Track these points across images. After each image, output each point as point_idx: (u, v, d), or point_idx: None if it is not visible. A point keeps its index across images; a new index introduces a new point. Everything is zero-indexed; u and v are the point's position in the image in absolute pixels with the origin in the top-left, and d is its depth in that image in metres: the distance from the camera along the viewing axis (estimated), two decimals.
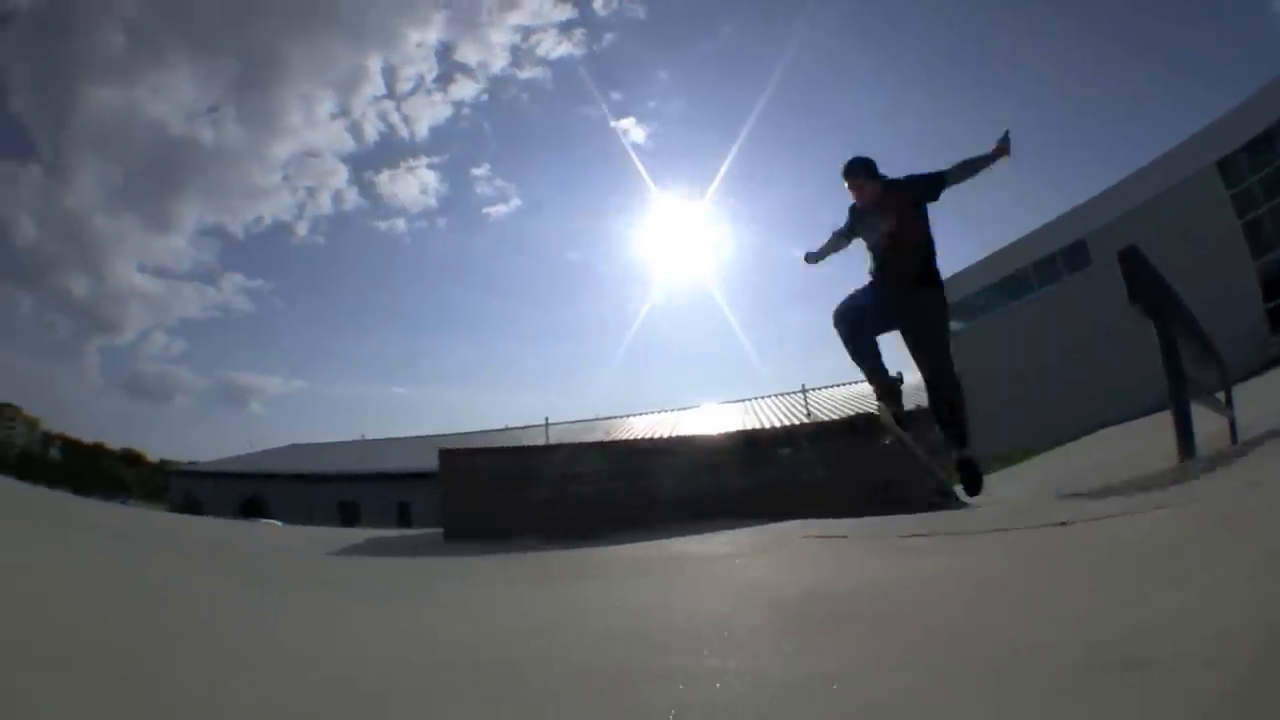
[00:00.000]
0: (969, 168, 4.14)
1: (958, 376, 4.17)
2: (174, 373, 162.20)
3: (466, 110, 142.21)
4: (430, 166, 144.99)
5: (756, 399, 38.11)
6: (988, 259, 30.51)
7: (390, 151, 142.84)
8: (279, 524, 28.55)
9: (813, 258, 4.67)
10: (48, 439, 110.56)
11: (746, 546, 3.08)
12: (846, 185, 4.42)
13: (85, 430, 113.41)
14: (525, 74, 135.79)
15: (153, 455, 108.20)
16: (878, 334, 4.34)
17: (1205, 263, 18.61)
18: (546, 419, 38.59)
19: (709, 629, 1.64)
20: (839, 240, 4.63)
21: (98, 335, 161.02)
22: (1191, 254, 18.16)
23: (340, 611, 2.16)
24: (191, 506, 42.91)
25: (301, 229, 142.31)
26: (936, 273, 4.26)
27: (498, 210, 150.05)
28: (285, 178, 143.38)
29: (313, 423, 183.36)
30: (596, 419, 41.45)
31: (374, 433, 60.09)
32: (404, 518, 34.71)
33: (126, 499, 74.44)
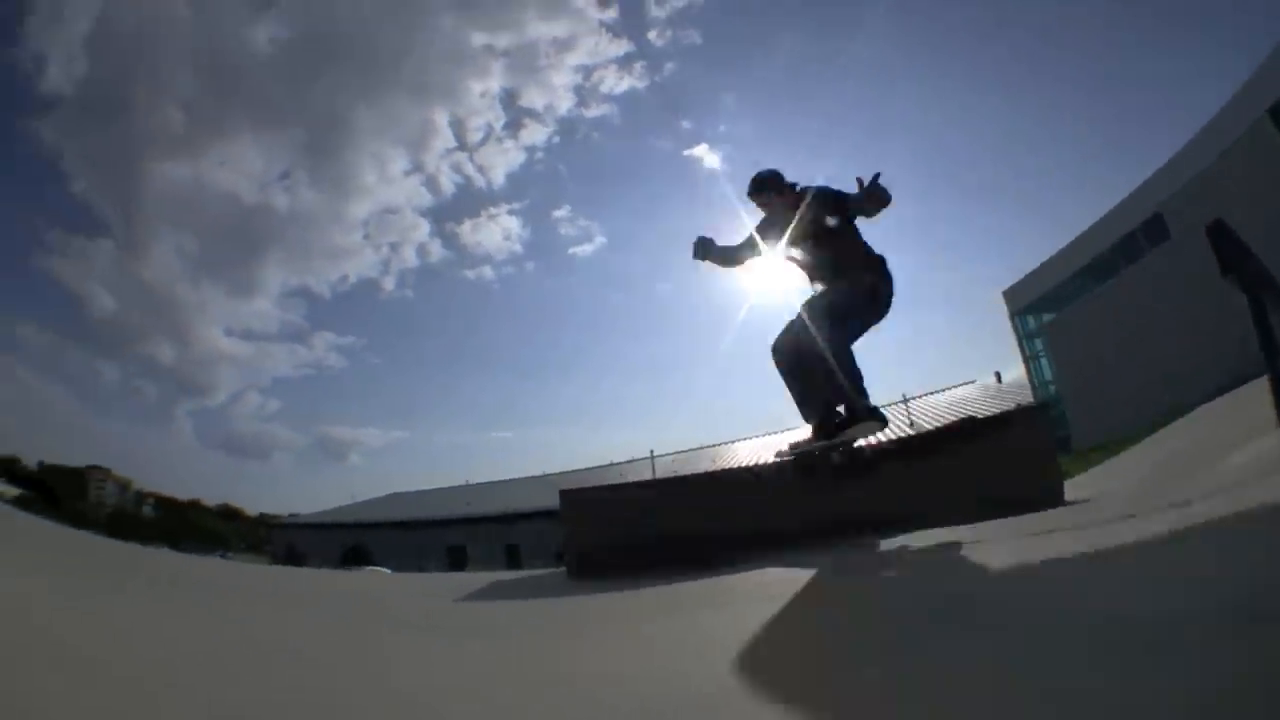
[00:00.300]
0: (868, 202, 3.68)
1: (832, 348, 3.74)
2: (270, 430, 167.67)
3: (540, 154, 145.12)
4: (511, 213, 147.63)
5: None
6: (1069, 245, 29.52)
7: (469, 201, 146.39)
8: (386, 570, 28.51)
9: (708, 251, 4.13)
10: (140, 497, 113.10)
11: (864, 566, 3.12)
12: (756, 204, 4.16)
13: (180, 489, 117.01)
14: (592, 112, 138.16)
15: (251, 510, 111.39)
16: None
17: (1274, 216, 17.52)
18: (652, 452, 38.98)
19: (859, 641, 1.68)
20: (746, 249, 4.23)
21: (188, 399, 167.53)
22: (1262, 212, 17.07)
23: (495, 656, 2.14)
24: (293, 557, 44.90)
25: (388, 284, 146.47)
26: (855, 268, 3.89)
27: (583, 249, 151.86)
28: (366, 235, 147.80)
29: (415, 471, 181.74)
30: (700, 448, 41.48)
31: (478, 477, 61.19)
32: (513, 559, 35.21)
33: (225, 553, 78.08)
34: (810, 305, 3.88)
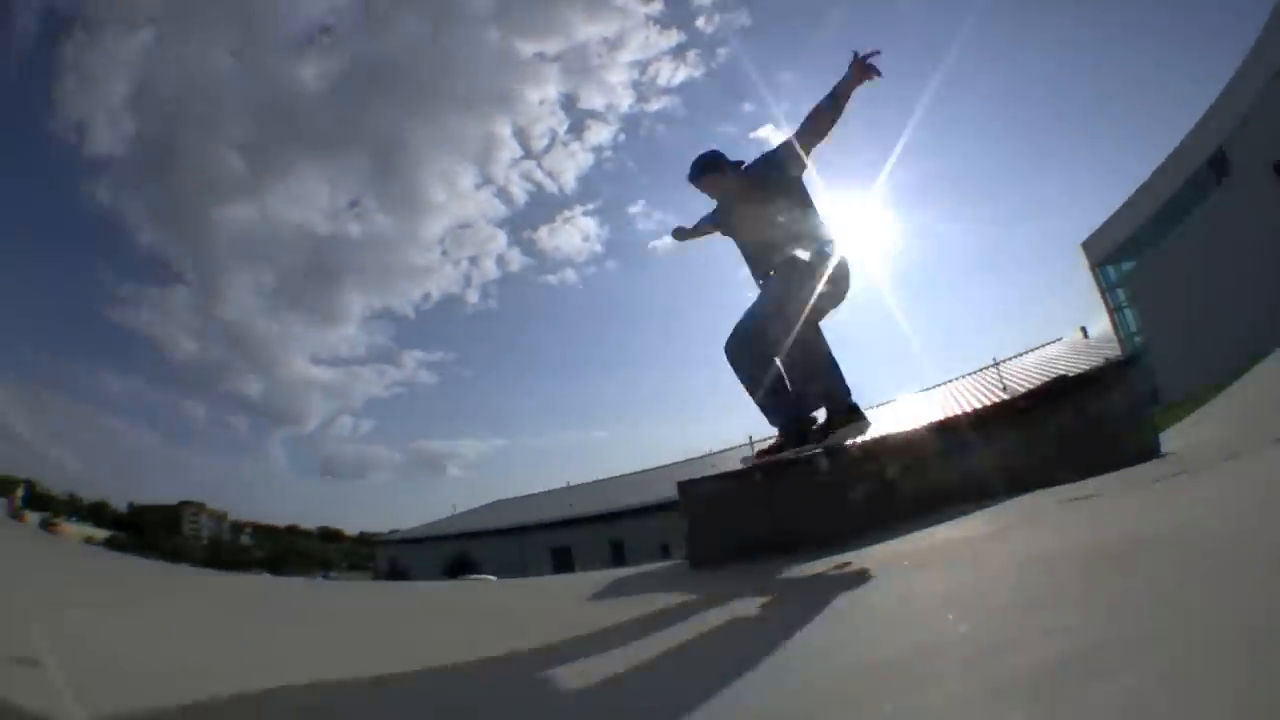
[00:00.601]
0: (818, 114, 3.56)
1: (787, 335, 3.57)
2: (366, 451, 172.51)
3: (607, 153, 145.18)
4: (586, 214, 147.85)
5: (950, 381, 37.03)
6: (1140, 190, 28.34)
7: (543, 207, 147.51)
8: (491, 578, 29.51)
9: (682, 234, 4.31)
10: (237, 527, 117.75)
11: (1004, 522, 3.04)
12: (701, 190, 4.08)
13: (278, 517, 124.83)
14: (653, 106, 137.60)
15: (351, 530, 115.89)
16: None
17: None
18: (750, 438, 38.97)
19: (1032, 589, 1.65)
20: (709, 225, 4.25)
21: (279, 428, 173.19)
22: None
23: (688, 643, 2.10)
24: (396, 573, 45.65)
25: (472, 297, 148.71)
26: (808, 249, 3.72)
27: (662, 242, 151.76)
28: (444, 252, 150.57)
29: (516, 477, 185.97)
30: None
31: (577, 478, 60.71)
32: (618, 556, 35.00)
33: (327, 573, 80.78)
34: (768, 295, 3.75)
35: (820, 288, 3.57)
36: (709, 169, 3.97)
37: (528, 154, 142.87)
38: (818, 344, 3.57)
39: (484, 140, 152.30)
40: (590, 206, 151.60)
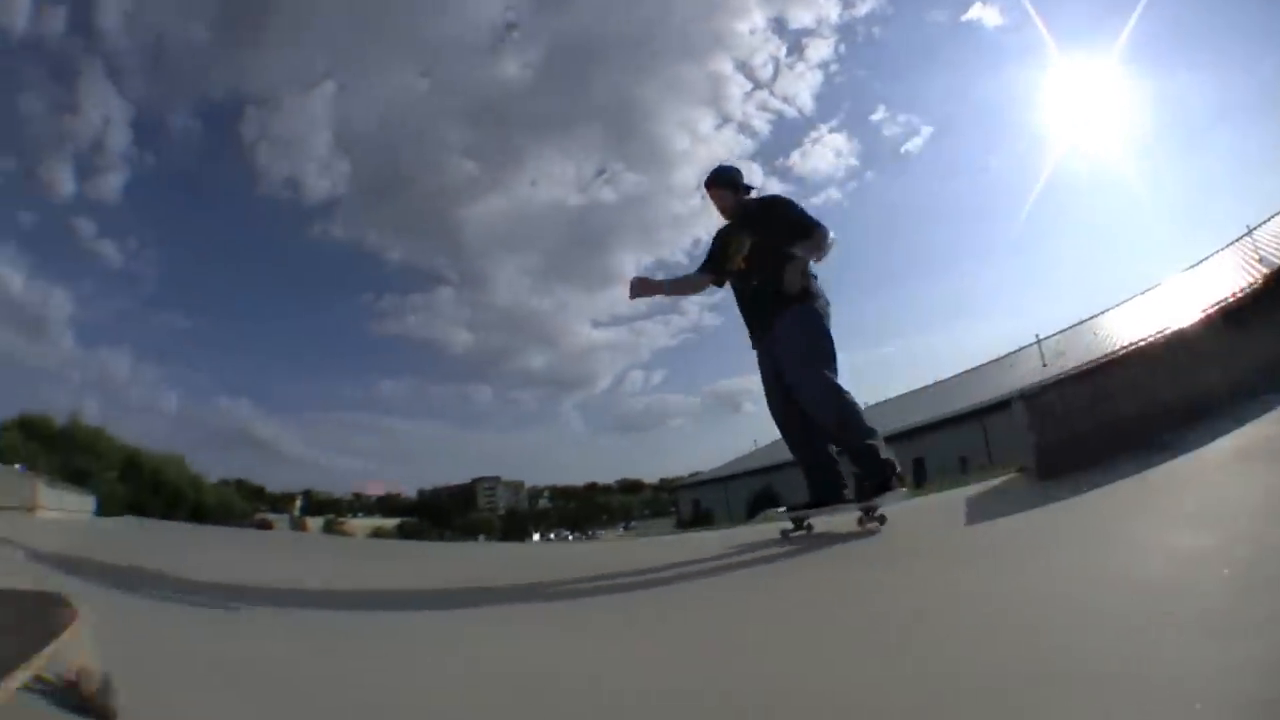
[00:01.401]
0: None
1: (833, 398, 3.64)
2: (660, 400, 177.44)
3: (834, 66, 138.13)
4: (832, 130, 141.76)
5: (1210, 257, 31.65)
6: None
7: (788, 133, 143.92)
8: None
9: (645, 287, 4.23)
10: (535, 493, 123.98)
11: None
12: (709, 196, 4.15)
13: (576, 477, 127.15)
14: (861, 9, 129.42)
15: (652, 479, 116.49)
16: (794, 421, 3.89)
17: None
18: (1037, 336, 36.21)
19: None
20: (692, 275, 4.26)
21: (570, 394, 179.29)
22: None
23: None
24: (700, 516, 46.41)
25: None
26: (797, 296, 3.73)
27: (913, 144, 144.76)
28: (703, 196, 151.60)
29: None
30: (1079, 323, 36.66)
31: (872, 398, 59.90)
32: (919, 474, 31.20)
33: (629, 524, 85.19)
34: (786, 354, 3.80)
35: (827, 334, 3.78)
36: (722, 182, 4.12)
37: (756, 85, 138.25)
38: (856, 409, 3.75)
39: (709, 82, 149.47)
40: (833, 123, 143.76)
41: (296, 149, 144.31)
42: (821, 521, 3.85)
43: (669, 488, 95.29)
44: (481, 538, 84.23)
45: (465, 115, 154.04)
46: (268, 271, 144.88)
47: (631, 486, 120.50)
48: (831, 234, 3.75)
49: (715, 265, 4.18)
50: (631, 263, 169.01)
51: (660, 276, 4.15)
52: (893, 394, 49.00)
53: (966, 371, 43.04)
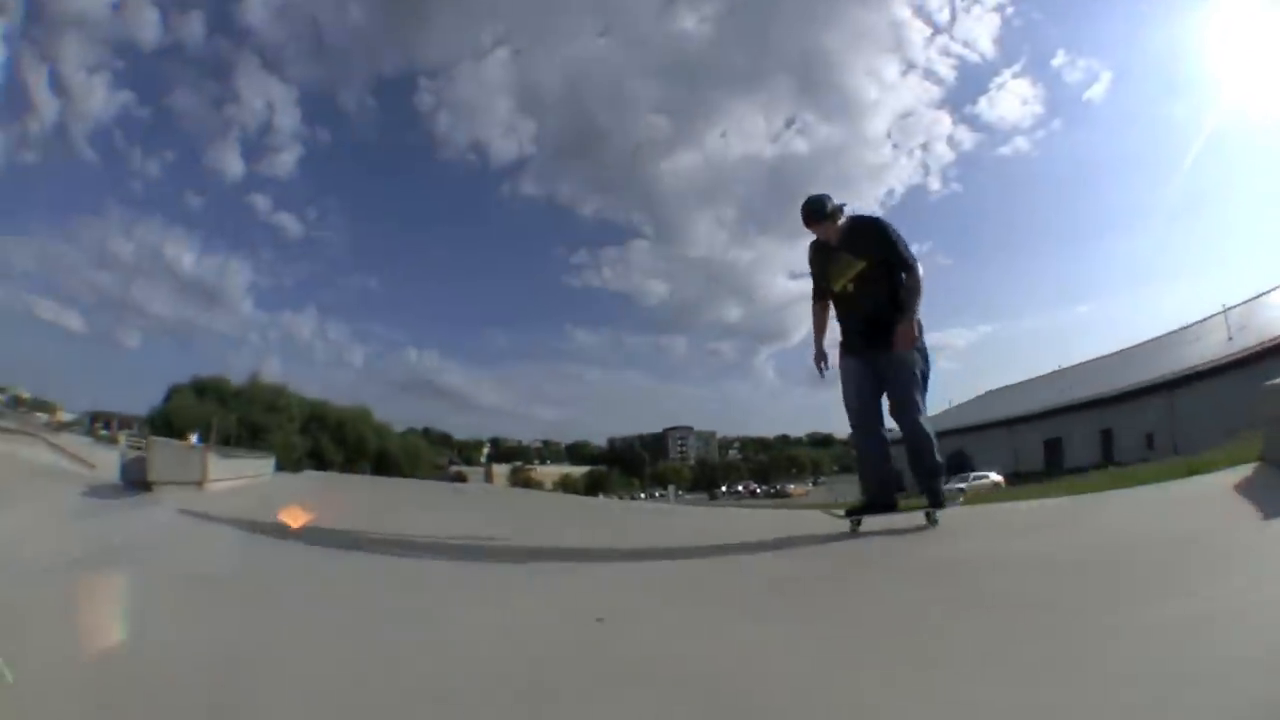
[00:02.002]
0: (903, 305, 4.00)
1: (927, 429, 4.03)
2: None
3: (1009, 9, 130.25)
4: (1015, 75, 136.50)
5: None
6: None
7: (973, 78, 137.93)
8: (995, 476, 28.96)
9: (821, 359, 4.30)
10: (725, 443, 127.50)
11: None
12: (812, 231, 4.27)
13: (768, 429, 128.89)
14: None
15: (841, 434, 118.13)
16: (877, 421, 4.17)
17: None
18: (1223, 305, 33.97)
19: None
20: (817, 311, 4.43)
21: (764, 346, 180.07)
22: None
23: None
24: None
25: (933, 184, 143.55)
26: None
27: (1095, 91, 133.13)
28: (895, 146, 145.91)
29: (1006, 364, 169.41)
30: (1261, 294, 33.99)
31: (1066, 359, 55.25)
32: (1107, 446, 32.56)
33: (818, 479, 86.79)
34: (899, 380, 4.03)
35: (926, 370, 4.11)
36: (818, 215, 4.17)
37: (936, 29, 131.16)
38: (932, 435, 4.04)
39: (890, 28, 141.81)
40: (1016, 68, 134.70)
41: (477, 114, 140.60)
42: (879, 521, 4.08)
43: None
44: (671, 488, 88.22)
45: (651, 71, 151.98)
46: (457, 231, 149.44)
47: (822, 440, 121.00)
48: (921, 271, 4.04)
49: (823, 289, 4.37)
50: None
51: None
52: (1077, 359, 48.26)
53: (1149, 341, 41.18)
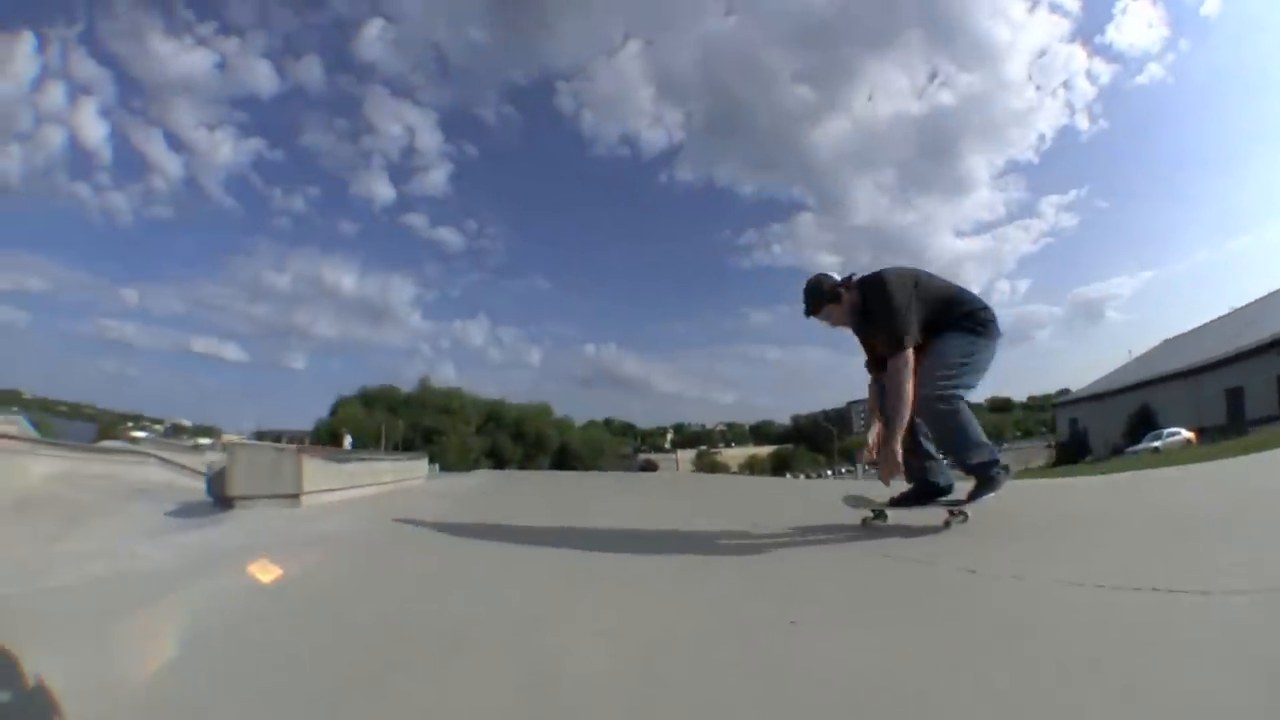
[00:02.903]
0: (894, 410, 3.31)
1: (943, 406, 3.33)
2: (1026, 311, 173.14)
3: None
4: None
5: None
6: None
7: (1098, 6, 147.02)
8: (1186, 433, 28.86)
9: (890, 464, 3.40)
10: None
11: None
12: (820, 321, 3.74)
13: None
14: None
15: (1019, 396, 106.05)
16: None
17: None
18: None
19: None
20: (872, 388, 3.75)
21: None
22: None
23: None
24: (1076, 438, 46.02)
25: (1082, 123, 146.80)
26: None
27: (1209, 8, 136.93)
28: (1038, 87, 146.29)
29: (1176, 309, 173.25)
30: None
31: (1240, 299, 52.24)
32: (1235, 408, 31.68)
33: (1001, 444, 73.60)
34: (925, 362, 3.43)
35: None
36: (818, 299, 3.66)
37: None
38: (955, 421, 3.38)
39: None
40: None
41: (621, 108, 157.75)
42: (909, 515, 3.63)
43: (1038, 406, 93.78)
44: (861, 463, 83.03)
45: (785, 42, 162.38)
46: (620, 224, 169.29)
47: (1000, 405, 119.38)
48: (909, 350, 3.32)
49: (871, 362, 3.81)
50: (984, 167, 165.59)
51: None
52: (1251, 296, 43.60)
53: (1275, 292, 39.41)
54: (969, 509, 3.38)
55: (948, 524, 3.40)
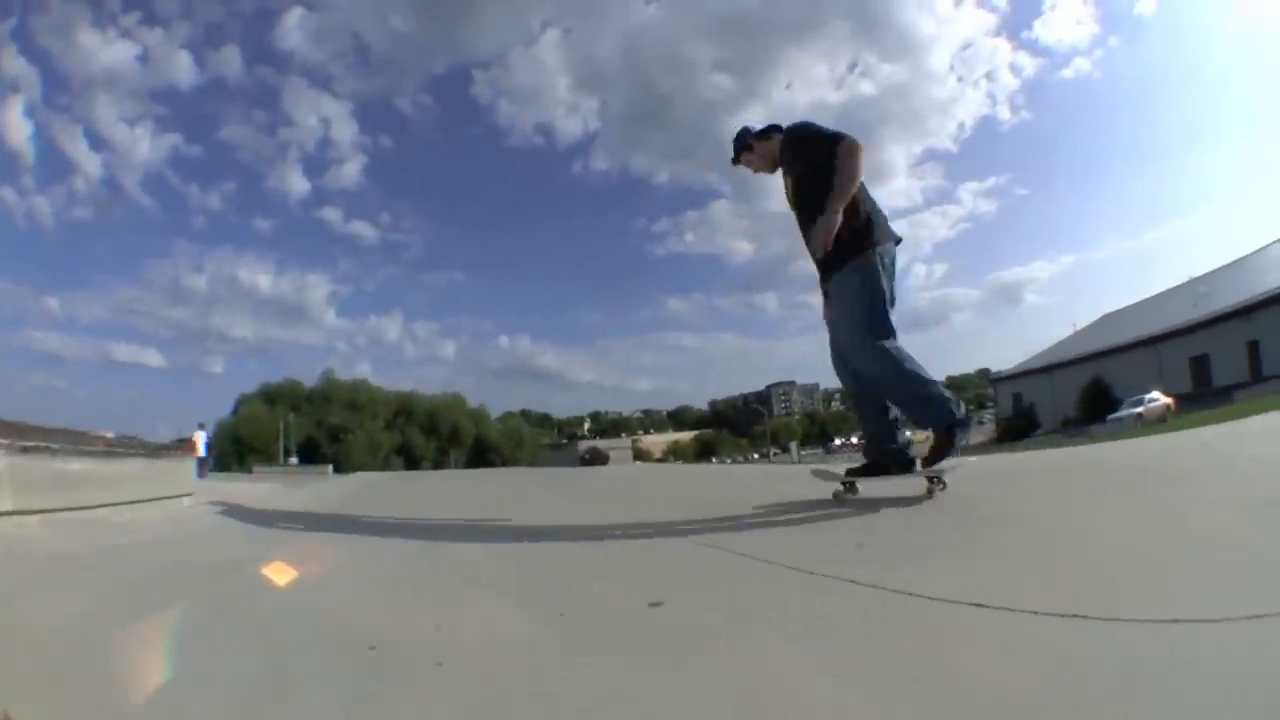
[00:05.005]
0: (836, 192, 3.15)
1: (887, 364, 3.15)
2: (944, 295, 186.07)
3: None
4: None
5: None
6: None
7: (1026, 2, 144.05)
8: (1164, 398, 27.96)
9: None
10: (829, 396, 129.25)
11: None
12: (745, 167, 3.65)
13: None
14: None
15: (938, 376, 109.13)
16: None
17: None
18: None
19: None
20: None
21: None
22: None
23: None
24: (1021, 412, 44.64)
25: (1003, 113, 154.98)
26: (846, 246, 3.20)
27: (1143, 7, 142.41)
28: (959, 78, 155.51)
29: (1091, 295, 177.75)
30: None
31: (1158, 285, 52.29)
32: (1255, 360, 30.79)
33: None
34: (841, 324, 3.33)
35: (875, 294, 3.20)
36: (740, 146, 3.67)
37: None
38: (907, 368, 3.16)
39: None
40: None
41: (537, 97, 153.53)
42: (879, 485, 3.37)
43: (958, 385, 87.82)
44: (794, 445, 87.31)
45: (705, 32, 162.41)
46: (536, 215, 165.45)
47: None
48: (858, 143, 3.22)
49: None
50: (902, 155, 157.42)
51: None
52: (1175, 281, 46.23)
53: (1234, 263, 41.01)
54: (947, 477, 3.24)
55: (930, 493, 3.22)
